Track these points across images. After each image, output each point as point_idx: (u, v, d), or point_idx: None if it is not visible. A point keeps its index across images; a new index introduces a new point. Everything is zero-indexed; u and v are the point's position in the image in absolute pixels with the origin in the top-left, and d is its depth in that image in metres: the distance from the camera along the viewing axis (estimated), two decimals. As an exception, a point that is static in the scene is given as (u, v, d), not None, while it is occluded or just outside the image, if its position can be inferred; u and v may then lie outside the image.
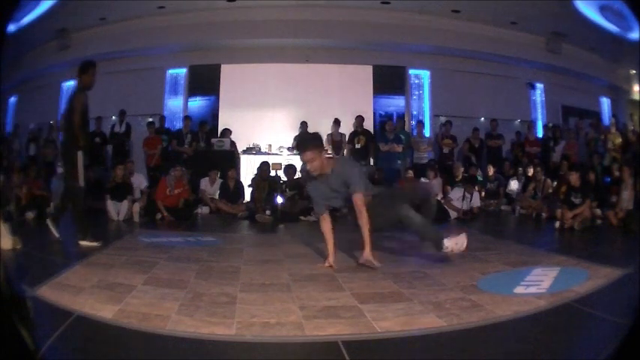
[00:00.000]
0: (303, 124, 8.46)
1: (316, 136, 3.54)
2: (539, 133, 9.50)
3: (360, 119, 8.35)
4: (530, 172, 7.45)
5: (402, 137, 8.45)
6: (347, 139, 8.38)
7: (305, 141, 3.55)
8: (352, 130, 8.41)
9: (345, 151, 8.30)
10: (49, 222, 4.38)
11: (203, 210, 7.06)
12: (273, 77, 9.18)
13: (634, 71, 10.31)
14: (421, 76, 9.84)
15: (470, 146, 8.62)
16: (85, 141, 4.32)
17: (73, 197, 4.33)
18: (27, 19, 7.24)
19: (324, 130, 8.55)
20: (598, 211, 6.05)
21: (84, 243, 4.13)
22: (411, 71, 9.79)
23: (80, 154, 4.27)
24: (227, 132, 8.41)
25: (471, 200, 6.63)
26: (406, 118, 9.65)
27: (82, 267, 3.32)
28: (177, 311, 2.36)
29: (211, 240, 4.65)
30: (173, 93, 9.61)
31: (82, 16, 8.46)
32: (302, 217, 6.48)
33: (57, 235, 4.29)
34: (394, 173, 8.02)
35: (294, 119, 8.75)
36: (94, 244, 4.13)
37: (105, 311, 2.32)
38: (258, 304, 2.51)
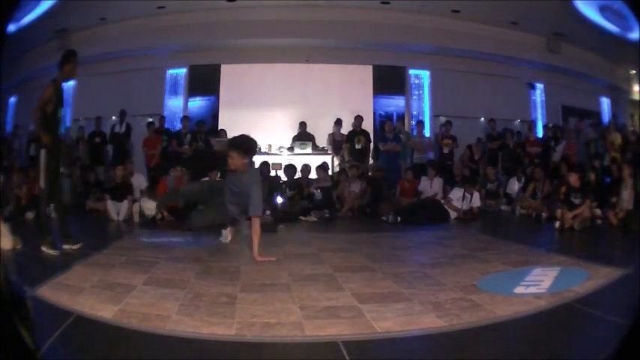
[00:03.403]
0: (302, 125, 8.47)
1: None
2: (539, 133, 9.49)
3: (359, 119, 8.33)
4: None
5: (402, 137, 8.44)
6: (345, 138, 8.36)
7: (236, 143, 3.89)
8: (351, 129, 8.40)
9: (344, 151, 8.28)
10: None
11: (203, 210, 7.05)
12: (273, 77, 9.18)
13: (634, 71, 10.31)
14: (421, 76, 9.84)
15: (471, 155, 8.50)
16: (47, 139, 3.84)
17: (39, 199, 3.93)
18: (27, 19, 7.25)
19: (325, 129, 8.58)
20: (598, 211, 6.04)
21: (43, 248, 3.74)
22: (411, 71, 9.79)
23: (43, 153, 3.82)
24: (222, 132, 8.41)
25: (471, 200, 6.63)
26: (406, 118, 9.65)
27: (82, 267, 3.32)
28: (177, 311, 2.36)
29: (211, 240, 4.65)
30: (173, 93, 9.61)
31: (82, 16, 8.45)
32: (302, 217, 6.47)
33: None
34: (394, 173, 8.01)
35: (294, 119, 8.76)
36: (52, 252, 3.72)
37: (105, 311, 2.33)
38: (258, 304, 2.51)
